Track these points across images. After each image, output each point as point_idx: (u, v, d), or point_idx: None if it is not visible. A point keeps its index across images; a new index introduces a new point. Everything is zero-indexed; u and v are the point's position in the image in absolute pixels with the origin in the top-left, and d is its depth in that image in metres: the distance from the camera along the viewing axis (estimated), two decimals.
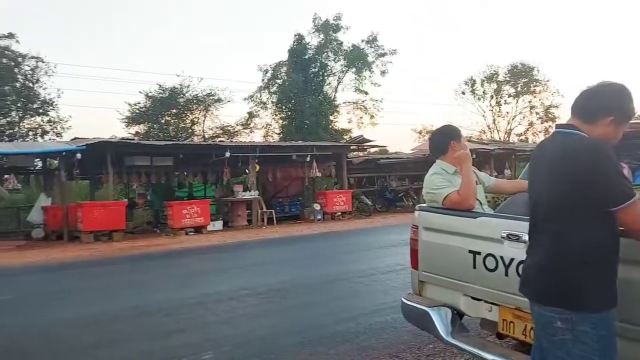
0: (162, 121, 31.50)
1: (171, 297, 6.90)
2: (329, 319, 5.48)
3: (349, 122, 34.26)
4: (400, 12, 63.76)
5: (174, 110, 31.55)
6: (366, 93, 33.10)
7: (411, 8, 64.32)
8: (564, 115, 37.28)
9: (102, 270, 10.24)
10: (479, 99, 39.44)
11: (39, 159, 17.11)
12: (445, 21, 66.49)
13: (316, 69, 31.50)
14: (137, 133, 30.77)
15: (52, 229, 15.61)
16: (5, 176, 15.24)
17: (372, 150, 24.73)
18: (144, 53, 57.99)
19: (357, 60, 31.45)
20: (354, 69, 32.03)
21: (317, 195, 19.32)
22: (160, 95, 30.73)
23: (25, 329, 5.61)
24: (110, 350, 4.76)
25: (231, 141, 27.62)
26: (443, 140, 3.56)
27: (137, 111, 30.92)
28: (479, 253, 2.96)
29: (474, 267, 2.99)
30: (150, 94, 30.72)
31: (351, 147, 20.86)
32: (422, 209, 3.57)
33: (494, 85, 38.79)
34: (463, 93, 39.10)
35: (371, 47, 32.08)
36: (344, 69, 32.31)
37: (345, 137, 31.59)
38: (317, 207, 18.22)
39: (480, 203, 3.44)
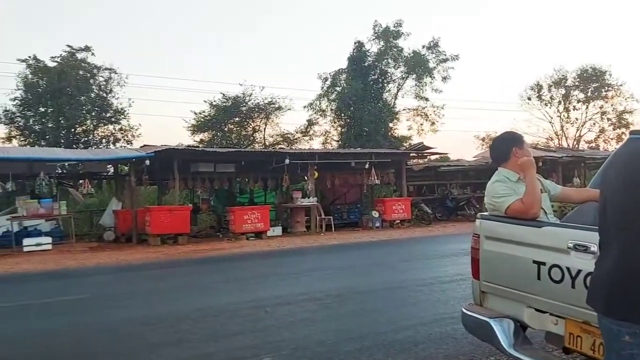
0: (225, 129, 32.45)
1: (232, 300, 7.09)
2: (387, 326, 5.45)
3: (408, 129, 33.94)
4: (463, 16, 62.53)
5: (237, 119, 32.45)
6: (427, 99, 32.66)
7: (474, 12, 62.94)
8: (638, 121, 35.25)
9: (167, 272, 10.67)
10: (545, 104, 37.96)
11: (111, 165, 18.06)
12: (510, 24, 64.62)
13: (376, 76, 31.41)
14: (201, 141, 31.85)
15: (122, 232, 16.42)
16: (80, 181, 16.19)
17: (432, 157, 24.35)
18: (209, 63, 60.01)
19: (417, 66, 31.10)
20: (414, 76, 31.69)
21: (376, 202, 19.24)
22: (224, 104, 31.71)
23: (99, 326, 5.94)
24: (176, 350, 4.95)
25: (291, 148, 28.00)
26: (505, 146, 3.47)
27: (202, 119, 32.03)
28: (544, 264, 2.87)
29: (539, 278, 2.90)
30: (214, 103, 31.80)
31: (411, 155, 20.65)
32: (484, 218, 3.50)
33: (562, 91, 37.17)
34: (529, 99, 37.76)
35: (432, 53, 31.64)
36: (404, 76, 32.02)
37: (404, 144, 31.28)
38: (375, 214, 18.15)
39: (545, 212, 3.32)
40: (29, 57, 26.25)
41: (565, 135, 38.35)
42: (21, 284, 9.50)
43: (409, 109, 33.40)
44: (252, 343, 5.04)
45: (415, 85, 32.17)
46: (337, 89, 31.28)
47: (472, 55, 67.17)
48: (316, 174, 17.49)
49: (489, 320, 3.21)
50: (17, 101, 26.20)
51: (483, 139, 39.23)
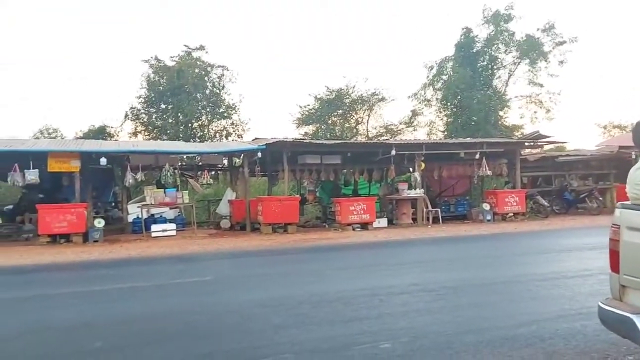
0: (329, 122, 32.99)
1: (346, 287, 7.25)
2: (508, 321, 5.29)
3: (520, 117, 32.13)
4: None
5: (340, 111, 32.85)
6: (541, 85, 30.70)
7: None
8: None
9: (281, 258, 11.14)
10: None
11: (225, 158, 19.13)
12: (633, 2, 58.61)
13: (485, 63, 30.17)
14: (306, 133, 32.66)
15: (236, 220, 17.37)
16: (199, 172, 17.36)
17: (547, 147, 22.86)
18: (313, 56, 61.18)
19: (531, 50, 29.36)
20: (527, 60, 29.95)
21: (487, 194, 18.54)
22: (328, 96, 32.25)
23: (225, 307, 6.37)
24: (297, 332, 5.17)
25: (395, 139, 27.80)
26: None
27: (307, 113, 32.83)
28: None
29: None
30: (318, 96, 32.45)
31: (525, 144, 19.57)
32: (626, 207, 3.28)
33: None
34: None
35: (548, 36, 29.68)
36: (516, 61, 30.40)
37: (516, 133, 29.76)
38: (486, 207, 17.48)
39: None
40: (151, 57, 28.58)
41: None
42: (153, 266, 10.45)
43: (521, 95, 31.65)
44: (370, 329, 5.12)
45: (529, 70, 30.40)
46: (444, 77, 30.46)
47: (592, 37, 61.84)
48: (423, 165, 17.21)
49: (632, 316, 3.03)
50: (141, 99, 28.67)
51: (605, 127, 36.19)
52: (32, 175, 13.79)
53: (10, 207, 17.05)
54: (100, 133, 27.91)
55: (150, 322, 5.71)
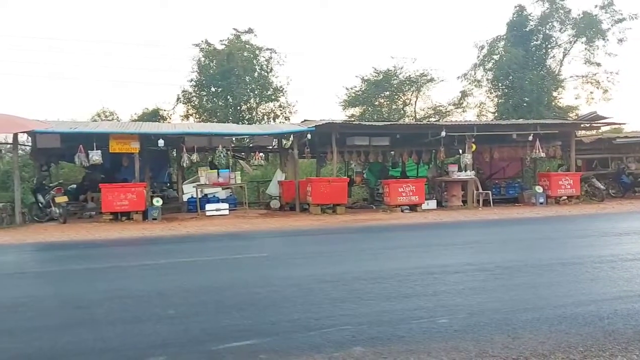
0: (376, 103, 32.82)
1: (400, 265, 7.41)
2: (566, 300, 5.33)
3: (576, 98, 31.06)
4: None
5: (387, 92, 32.60)
6: (598, 65, 29.51)
7: None
8: None
9: (332, 238, 11.41)
10: None
11: (275, 139, 19.48)
12: None
13: (538, 42, 29.23)
14: (352, 115, 32.64)
15: (286, 201, 17.75)
16: (251, 154, 17.78)
17: (604, 129, 22.05)
18: (360, 37, 60.70)
19: (588, 28, 28.20)
20: (584, 39, 28.81)
21: (540, 177, 18.18)
22: (375, 78, 32.05)
23: (285, 281, 6.66)
24: (355, 305, 5.37)
25: (445, 121, 27.44)
26: None
27: (353, 94, 32.76)
28: None
29: None
30: (365, 78, 32.30)
31: (581, 125, 18.99)
32: None
33: None
34: None
35: (606, 13, 28.41)
36: (571, 40, 29.30)
37: (570, 114, 28.78)
38: (539, 189, 17.17)
39: None
40: (202, 41, 29.15)
41: None
42: (212, 243, 10.92)
43: (576, 75, 30.53)
44: (426, 305, 5.28)
45: (585, 49, 29.27)
46: (495, 57, 29.72)
47: None
48: (474, 147, 17.02)
49: None
50: (192, 82, 29.36)
51: None
52: (97, 156, 14.56)
53: (74, 186, 18.00)
54: (154, 116, 28.83)
55: (217, 293, 6.07)
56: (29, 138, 16.56)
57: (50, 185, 16.04)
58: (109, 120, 28.37)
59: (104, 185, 14.80)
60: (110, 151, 15.01)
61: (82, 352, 4.11)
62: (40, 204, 15.28)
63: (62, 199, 14.69)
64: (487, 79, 30.64)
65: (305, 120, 19.34)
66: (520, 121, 19.62)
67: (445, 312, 5.02)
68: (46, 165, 17.32)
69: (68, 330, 4.72)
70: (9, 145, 17.75)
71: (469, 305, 5.23)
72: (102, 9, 58.98)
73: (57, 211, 14.60)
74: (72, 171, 21.71)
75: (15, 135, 14.96)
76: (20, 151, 17.31)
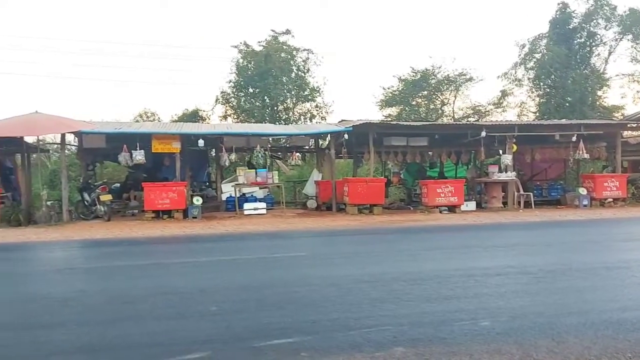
0: (413, 103, 32.56)
1: (439, 267, 7.36)
2: (612, 304, 5.21)
3: (622, 97, 30.12)
4: None
5: (425, 92, 32.30)
6: None
7: None
8: None
9: (370, 238, 11.40)
10: None
11: (312, 139, 19.57)
12: None
13: (582, 39, 28.43)
14: (389, 115, 32.48)
15: (322, 201, 17.80)
16: (288, 154, 17.94)
17: None
18: (398, 37, 60.29)
19: (635, 25, 27.25)
20: (630, 36, 27.89)
21: (584, 178, 17.67)
22: (413, 78, 31.80)
23: (323, 280, 6.70)
24: (395, 306, 5.36)
25: (484, 121, 26.99)
26: None
27: (391, 94, 32.59)
28: None
29: None
30: (402, 77, 32.09)
31: (627, 126, 18.34)
32: None
33: None
34: None
35: None
36: (617, 37, 28.39)
37: (616, 114, 27.86)
38: (582, 191, 16.69)
39: None
40: (240, 43, 29.58)
41: None
42: (250, 241, 11.08)
43: (622, 74, 29.59)
44: (467, 307, 5.21)
45: (632, 47, 28.34)
46: (536, 55, 29.07)
47: None
48: (515, 147, 16.68)
49: None
50: (231, 83, 29.81)
51: None
52: (140, 156, 14.97)
53: (118, 185, 18.55)
54: (193, 116, 29.41)
55: (257, 291, 6.16)
56: (76, 138, 17.16)
57: (96, 184, 16.60)
58: (150, 120, 29.12)
59: (146, 184, 15.19)
60: (152, 151, 15.39)
61: (129, 346, 4.26)
62: (86, 202, 15.84)
63: (106, 198, 15.17)
64: (529, 78, 30.02)
65: (342, 120, 19.36)
66: (564, 121, 19.11)
67: (487, 314, 4.96)
68: (92, 165, 17.92)
69: (115, 324, 4.89)
70: (56, 145, 18.48)
71: (511, 308, 5.15)
72: (142, 12, 60.55)
73: (102, 209, 15.09)
74: (116, 170, 22.38)
75: (63, 136, 15.55)
76: (67, 151, 17.94)
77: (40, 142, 18.08)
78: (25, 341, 4.45)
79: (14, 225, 14.37)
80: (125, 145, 15.14)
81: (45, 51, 51.87)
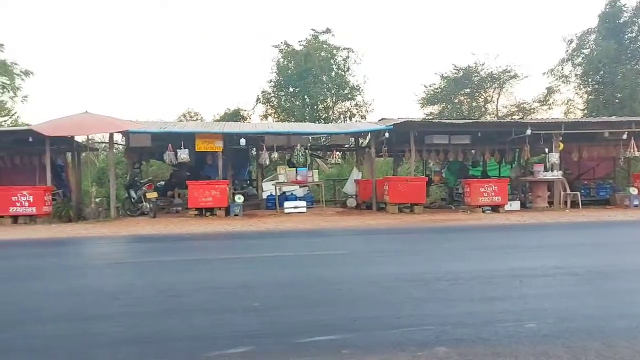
0: (455, 101, 32.08)
1: (483, 267, 7.22)
2: None
3: None
4: None
5: (467, 90, 31.75)
6: None
7: None
8: None
9: (411, 237, 11.30)
10: None
11: (352, 138, 19.56)
12: None
13: (633, 34, 27.25)
14: (430, 113, 32.10)
15: (362, 199, 17.78)
16: (328, 152, 17.99)
17: None
18: (440, 34, 59.47)
19: None
20: None
21: (635, 177, 17.01)
22: (455, 75, 31.31)
23: (363, 278, 6.70)
24: (437, 306, 5.31)
25: (530, 119, 26.29)
26: None
27: (432, 92, 32.18)
28: None
29: None
30: (444, 75, 31.64)
31: None
32: None
33: None
34: None
35: None
36: None
37: None
38: (633, 191, 16.09)
39: None
40: (281, 42, 29.82)
41: None
42: (291, 239, 11.18)
43: None
44: (512, 309, 5.10)
45: None
46: (585, 51, 28.10)
47: None
48: (561, 146, 16.20)
49: None
50: (271, 83, 30.11)
51: None
52: (184, 155, 15.36)
53: (162, 183, 19.06)
54: (235, 116, 29.86)
55: (299, 287, 6.22)
56: (123, 137, 17.73)
57: (142, 181, 17.11)
58: (193, 120, 29.75)
59: (190, 183, 15.55)
60: (196, 150, 15.75)
61: (177, 338, 4.38)
62: (132, 199, 16.37)
63: (152, 195, 15.63)
64: (576, 75, 29.05)
65: (382, 119, 19.27)
66: (613, 118, 18.42)
67: (532, 316, 4.84)
68: (138, 163, 18.49)
69: (163, 317, 5.04)
70: (105, 144, 19.13)
71: (558, 310, 5.02)
72: (185, 13, 61.88)
73: (148, 206, 15.55)
74: (160, 168, 23.00)
75: (111, 135, 16.09)
76: (114, 150, 18.56)
77: (90, 141, 18.76)
78: (78, 332, 4.64)
79: (65, 220, 15.01)
80: (170, 145, 15.55)
81: (94, 53, 53.79)
